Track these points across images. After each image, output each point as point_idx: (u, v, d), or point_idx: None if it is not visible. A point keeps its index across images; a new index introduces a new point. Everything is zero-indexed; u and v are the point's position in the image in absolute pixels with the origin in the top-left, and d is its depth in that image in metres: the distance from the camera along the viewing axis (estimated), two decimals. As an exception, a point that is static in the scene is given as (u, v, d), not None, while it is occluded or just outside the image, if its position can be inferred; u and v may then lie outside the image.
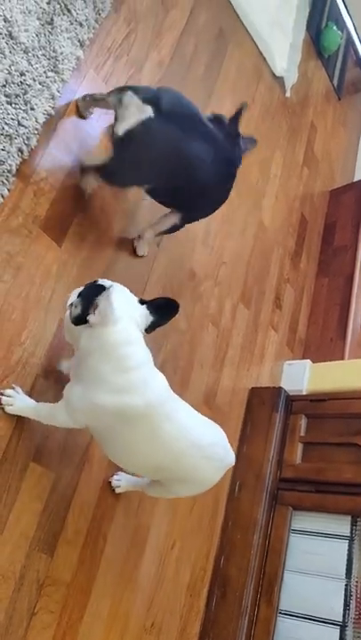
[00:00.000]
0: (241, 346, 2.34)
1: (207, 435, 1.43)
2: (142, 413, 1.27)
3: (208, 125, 1.63)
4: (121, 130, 1.48)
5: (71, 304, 1.32)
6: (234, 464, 1.52)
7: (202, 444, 1.39)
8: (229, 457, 1.48)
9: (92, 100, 1.70)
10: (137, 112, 1.47)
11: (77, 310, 1.29)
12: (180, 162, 1.58)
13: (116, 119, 1.53)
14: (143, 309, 1.32)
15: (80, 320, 1.28)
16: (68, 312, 1.33)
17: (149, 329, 1.35)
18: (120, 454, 1.42)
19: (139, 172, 1.62)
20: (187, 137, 1.55)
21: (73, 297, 1.33)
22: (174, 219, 1.80)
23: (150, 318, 1.33)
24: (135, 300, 1.33)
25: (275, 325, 2.60)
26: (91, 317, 1.24)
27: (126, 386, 1.26)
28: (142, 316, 1.32)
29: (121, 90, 1.55)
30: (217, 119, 1.71)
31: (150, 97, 1.49)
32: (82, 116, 1.74)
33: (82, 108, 1.73)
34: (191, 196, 1.72)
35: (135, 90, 1.51)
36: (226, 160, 1.71)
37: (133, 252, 1.86)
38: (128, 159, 1.54)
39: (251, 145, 1.82)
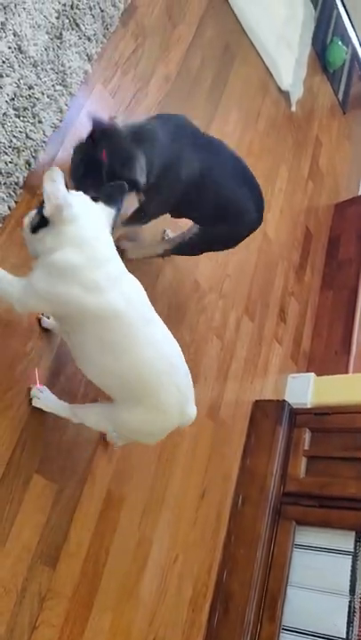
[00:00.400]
0: (245, 358, 2.34)
1: (182, 369, 1.35)
2: (117, 316, 1.22)
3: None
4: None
5: (28, 218, 1.27)
6: (191, 421, 1.40)
7: (175, 366, 1.32)
8: (191, 410, 1.38)
9: None
10: None
11: (33, 217, 1.24)
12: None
13: None
14: (101, 205, 1.28)
15: (38, 224, 1.23)
16: (26, 226, 1.27)
17: (115, 220, 1.31)
18: (86, 351, 1.30)
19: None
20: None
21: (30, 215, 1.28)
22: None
23: (111, 211, 1.29)
24: (87, 197, 1.28)
25: (279, 338, 2.60)
26: (45, 210, 1.18)
27: (96, 284, 1.20)
28: (103, 210, 1.27)
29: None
30: None
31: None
32: None
33: None
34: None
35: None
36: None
37: (140, 261, 1.86)
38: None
39: None
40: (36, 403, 1.45)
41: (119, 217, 1.34)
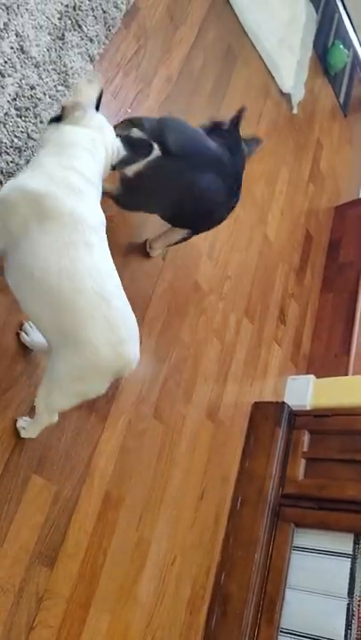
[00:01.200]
0: (245, 360, 2.34)
1: (117, 304, 1.22)
2: (62, 220, 1.17)
3: (211, 149, 1.63)
4: (130, 171, 1.49)
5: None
6: (132, 366, 1.24)
7: (110, 301, 1.19)
8: (131, 350, 1.22)
9: None
10: None
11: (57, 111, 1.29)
12: (189, 194, 1.61)
13: None
14: (115, 140, 1.32)
15: (55, 118, 1.30)
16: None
17: (118, 165, 1.32)
18: (23, 272, 1.21)
19: (147, 204, 1.68)
20: (193, 170, 1.57)
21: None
22: (183, 233, 1.82)
23: (122, 153, 1.31)
24: (109, 126, 1.32)
25: (279, 340, 2.60)
26: (66, 101, 1.24)
27: (62, 182, 1.19)
28: (114, 144, 1.30)
29: (124, 124, 1.56)
30: (216, 126, 1.73)
31: (156, 134, 1.50)
32: None
33: None
34: (200, 218, 1.76)
35: (140, 126, 1.52)
36: (232, 177, 1.72)
37: (141, 262, 1.87)
38: (137, 194, 1.58)
39: (256, 145, 1.83)
40: (24, 434, 1.42)
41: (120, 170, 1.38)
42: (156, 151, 1.47)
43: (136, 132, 1.50)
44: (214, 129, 1.72)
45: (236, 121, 1.71)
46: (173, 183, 1.56)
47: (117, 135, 1.50)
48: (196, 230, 1.84)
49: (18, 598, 1.37)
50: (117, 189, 1.58)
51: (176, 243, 1.87)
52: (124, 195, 1.58)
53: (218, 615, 1.94)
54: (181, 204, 1.65)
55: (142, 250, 1.90)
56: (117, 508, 1.67)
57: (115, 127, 1.58)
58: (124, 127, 1.56)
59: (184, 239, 1.84)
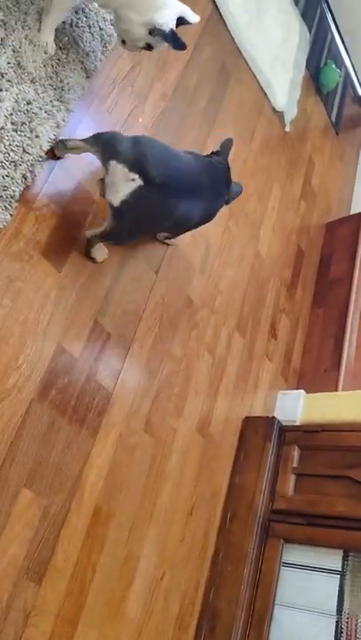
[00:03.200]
0: (236, 374, 2.35)
1: None
2: None
3: (187, 169, 1.67)
4: (116, 201, 1.51)
5: None
6: None
7: None
8: None
9: (65, 148, 1.66)
10: (126, 182, 1.49)
11: None
12: (173, 218, 1.68)
13: (103, 178, 1.56)
14: None
15: None
16: None
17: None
18: None
19: (138, 230, 1.73)
20: (176, 194, 1.60)
21: None
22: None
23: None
24: None
25: (270, 355, 2.61)
26: None
27: None
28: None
29: (102, 147, 1.57)
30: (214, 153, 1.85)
31: (134, 162, 1.50)
32: (58, 157, 1.69)
33: (57, 152, 1.68)
34: (182, 231, 1.93)
35: (116, 154, 1.51)
36: (214, 185, 1.80)
37: (133, 276, 1.88)
38: (127, 222, 1.60)
39: (236, 195, 1.92)
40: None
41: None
42: (138, 181, 1.48)
43: (114, 165, 1.50)
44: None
45: (228, 146, 1.84)
46: (157, 207, 1.59)
47: (92, 150, 1.60)
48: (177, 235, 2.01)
49: (5, 614, 1.36)
50: (108, 222, 1.61)
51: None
52: (115, 226, 1.61)
53: (206, 631, 1.93)
54: (165, 225, 1.77)
55: (135, 264, 1.91)
56: (107, 523, 1.66)
57: (85, 142, 1.63)
58: (94, 144, 1.60)
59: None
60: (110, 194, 1.52)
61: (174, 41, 1.60)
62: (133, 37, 1.62)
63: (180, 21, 1.61)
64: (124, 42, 1.67)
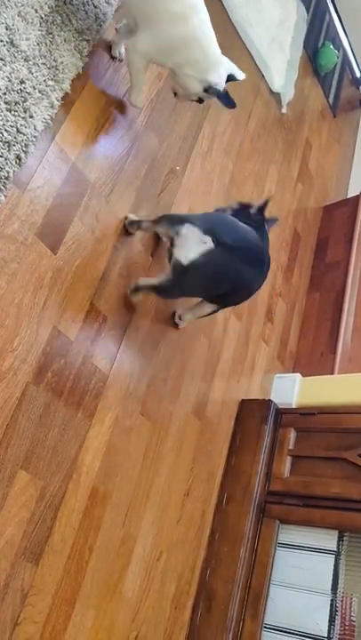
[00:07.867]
0: (232, 358, 2.35)
1: None
2: None
3: (253, 241, 1.75)
4: (185, 259, 1.59)
5: None
6: None
7: None
8: None
9: (138, 228, 1.84)
10: (199, 243, 1.58)
11: None
12: (235, 283, 1.74)
13: (172, 244, 1.65)
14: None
15: None
16: None
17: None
18: None
19: (192, 291, 1.81)
20: (240, 263, 1.68)
21: None
22: (213, 307, 1.94)
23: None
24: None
25: (266, 338, 2.61)
26: None
27: None
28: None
29: (171, 220, 1.71)
30: (243, 207, 1.89)
31: (206, 227, 1.60)
32: (129, 233, 1.86)
33: (130, 229, 1.85)
34: (237, 300, 1.92)
35: (189, 220, 1.63)
36: (265, 262, 1.85)
37: (133, 257, 1.87)
38: (186, 283, 1.67)
39: (273, 224, 1.97)
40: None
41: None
42: (210, 243, 1.57)
43: (187, 227, 1.60)
44: (241, 210, 1.87)
45: (263, 207, 1.86)
46: (223, 274, 1.67)
47: (162, 229, 1.77)
48: (227, 306, 2.00)
49: (3, 594, 1.37)
50: (167, 276, 1.68)
51: (204, 315, 2.00)
52: (172, 283, 1.67)
53: (203, 610, 1.95)
54: (225, 290, 1.77)
55: (131, 247, 1.90)
56: (104, 504, 1.67)
57: (155, 222, 1.78)
58: (168, 223, 1.72)
59: (213, 312, 1.97)
60: (180, 253, 1.60)
61: (226, 99, 1.76)
62: (188, 92, 1.77)
63: (229, 78, 1.76)
64: (175, 93, 1.83)
